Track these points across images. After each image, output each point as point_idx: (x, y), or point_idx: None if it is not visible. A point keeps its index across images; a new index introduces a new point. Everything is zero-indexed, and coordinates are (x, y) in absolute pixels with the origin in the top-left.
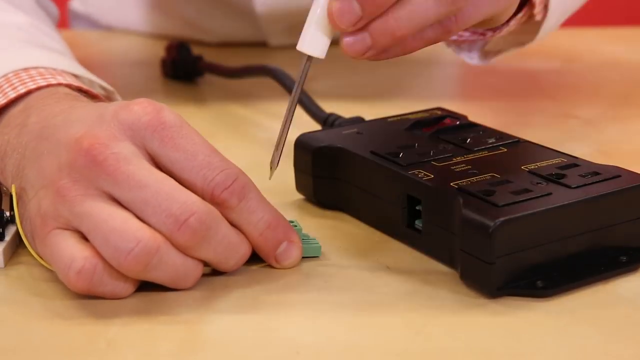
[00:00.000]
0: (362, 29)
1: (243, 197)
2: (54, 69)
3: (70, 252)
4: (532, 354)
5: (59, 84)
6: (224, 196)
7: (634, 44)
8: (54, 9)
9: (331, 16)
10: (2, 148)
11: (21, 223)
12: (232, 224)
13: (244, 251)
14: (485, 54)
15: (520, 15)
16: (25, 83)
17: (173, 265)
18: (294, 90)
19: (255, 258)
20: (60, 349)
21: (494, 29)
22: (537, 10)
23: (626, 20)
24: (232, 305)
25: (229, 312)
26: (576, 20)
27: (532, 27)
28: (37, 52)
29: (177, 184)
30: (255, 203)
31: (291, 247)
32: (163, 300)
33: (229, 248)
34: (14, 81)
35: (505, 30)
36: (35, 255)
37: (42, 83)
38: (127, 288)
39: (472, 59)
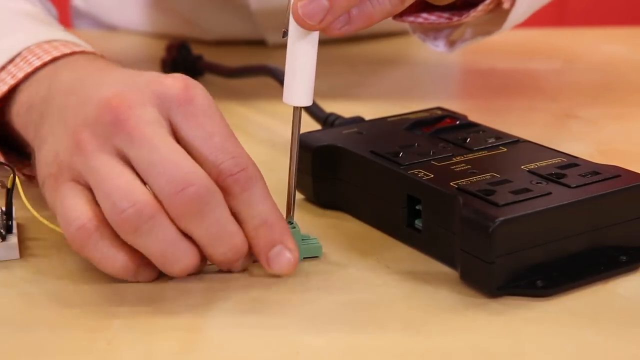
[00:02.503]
0: None
1: (247, 189)
2: (74, 43)
3: (79, 209)
4: (532, 354)
5: (84, 52)
6: (227, 182)
7: (634, 44)
8: (53, 10)
9: None
10: (30, 99)
11: (37, 168)
12: (233, 214)
13: (237, 242)
14: (451, 43)
15: (488, 1)
16: (49, 52)
17: (164, 238)
18: (291, 141)
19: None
20: (60, 349)
21: (460, 14)
22: None
23: (626, 20)
24: (232, 305)
25: (229, 312)
26: (576, 20)
27: (499, 17)
28: (54, 29)
29: (188, 156)
30: (257, 197)
31: (284, 253)
32: (163, 300)
33: (222, 233)
34: (37, 51)
35: (472, 15)
36: (33, 211)
37: (67, 51)
38: (118, 260)
39: (437, 46)
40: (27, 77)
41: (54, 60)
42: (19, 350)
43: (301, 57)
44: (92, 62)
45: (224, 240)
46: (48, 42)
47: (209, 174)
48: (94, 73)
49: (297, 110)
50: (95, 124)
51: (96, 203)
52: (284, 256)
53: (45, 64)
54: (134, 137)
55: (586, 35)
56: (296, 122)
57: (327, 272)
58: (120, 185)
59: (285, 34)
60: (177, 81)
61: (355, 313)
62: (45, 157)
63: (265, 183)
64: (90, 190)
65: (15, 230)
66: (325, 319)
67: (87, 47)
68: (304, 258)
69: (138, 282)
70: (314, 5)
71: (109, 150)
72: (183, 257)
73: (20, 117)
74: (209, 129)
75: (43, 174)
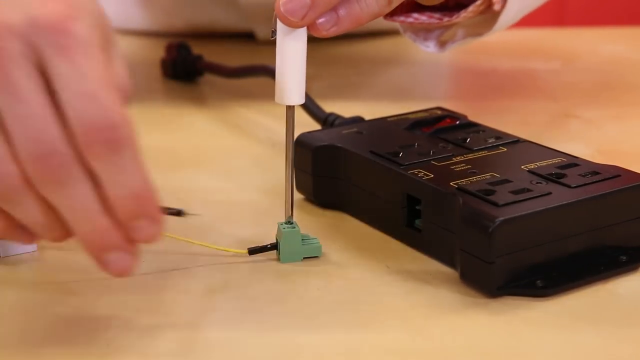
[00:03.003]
0: None
1: (115, 152)
2: None
3: None
4: (532, 354)
5: None
6: (93, 138)
7: (634, 44)
8: None
9: None
10: None
11: None
12: (96, 178)
13: (101, 223)
14: (442, 43)
15: (478, 2)
16: None
17: (32, 211)
18: (286, 141)
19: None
20: (60, 349)
21: (451, 14)
22: None
23: (626, 20)
24: (232, 305)
25: (229, 312)
26: (576, 20)
27: (490, 18)
28: None
29: (56, 114)
30: (126, 162)
31: (150, 226)
32: (163, 300)
33: (83, 209)
34: None
35: (463, 16)
36: None
37: None
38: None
39: (428, 47)
40: None
41: None
42: (19, 351)
43: (290, 55)
44: None
45: (87, 218)
46: None
47: (73, 124)
48: None
49: (290, 109)
50: None
51: None
52: (148, 229)
53: None
54: None
55: (586, 35)
56: (290, 121)
57: (327, 272)
58: None
59: (273, 33)
60: (58, 6)
61: (355, 313)
62: None
63: (138, 147)
64: None
65: None
66: (325, 318)
67: None
68: (304, 258)
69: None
70: (295, 2)
71: None
72: (54, 227)
73: None
74: (85, 69)
75: None
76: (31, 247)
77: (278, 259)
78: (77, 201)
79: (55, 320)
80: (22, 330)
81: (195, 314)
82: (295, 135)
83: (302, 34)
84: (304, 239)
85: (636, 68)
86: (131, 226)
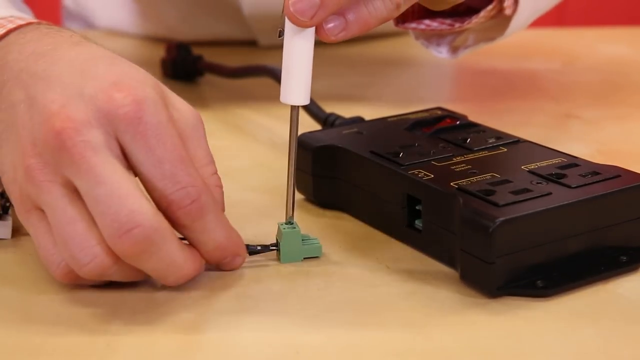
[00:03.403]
0: None
1: (198, 218)
2: (19, 17)
3: (58, 250)
4: (532, 354)
5: (31, 23)
6: (178, 214)
7: (634, 44)
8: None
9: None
10: None
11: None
12: (184, 237)
13: (187, 271)
14: (454, 49)
15: (490, 7)
16: (4, 26)
17: (127, 275)
18: (289, 141)
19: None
20: (60, 349)
21: (463, 20)
22: (507, 4)
23: (626, 20)
24: (232, 305)
25: (228, 312)
26: (576, 20)
27: (502, 23)
28: (15, 10)
29: (135, 188)
30: (210, 224)
31: (235, 260)
32: (163, 300)
33: (170, 267)
34: None
35: (474, 22)
36: None
37: (21, 22)
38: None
39: (440, 52)
40: None
41: (7, 33)
42: (19, 351)
43: (297, 56)
44: (39, 39)
45: (173, 272)
46: (4, 18)
47: (159, 203)
48: (42, 58)
49: (294, 109)
50: (43, 148)
51: None
52: (234, 263)
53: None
54: (80, 167)
55: (586, 35)
56: (294, 121)
57: (327, 272)
58: (75, 235)
59: (281, 33)
60: (125, 96)
61: (355, 313)
62: (6, 171)
63: (218, 207)
64: None
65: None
66: (325, 318)
67: (33, 19)
68: (304, 258)
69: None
70: (304, 2)
71: (60, 181)
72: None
73: None
74: (159, 153)
75: (8, 192)
76: (4, 234)
77: (278, 259)
78: (162, 263)
79: (55, 320)
80: (22, 330)
81: (195, 313)
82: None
83: (310, 34)
84: (304, 239)
85: (637, 68)
86: (220, 264)
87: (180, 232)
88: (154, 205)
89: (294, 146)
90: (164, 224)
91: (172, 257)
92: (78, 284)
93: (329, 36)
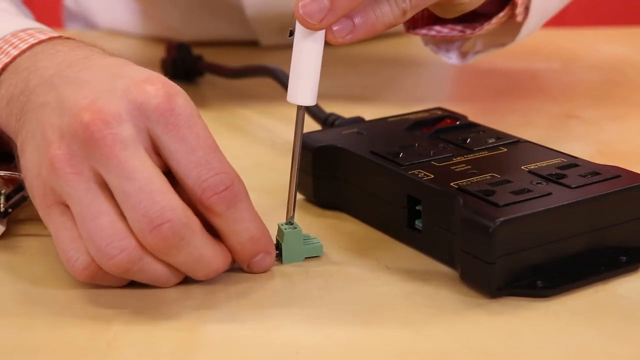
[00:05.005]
0: None
1: (232, 206)
2: (52, 31)
3: (77, 244)
4: (532, 354)
5: (61, 37)
6: (212, 200)
7: (634, 44)
8: (29, 14)
9: None
10: (9, 92)
11: (23, 176)
12: (215, 228)
13: (216, 266)
14: (463, 54)
15: (501, 14)
16: (26, 40)
17: (154, 272)
18: (294, 141)
19: None
20: (60, 349)
21: (473, 27)
22: (519, 10)
23: (626, 20)
24: (232, 305)
25: (229, 312)
26: (576, 20)
27: (512, 28)
28: (29, 20)
29: (165, 183)
30: (243, 213)
31: (265, 259)
32: (163, 300)
33: (200, 261)
34: (13, 41)
35: (486, 28)
36: None
37: (44, 37)
38: (126, 281)
39: (450, 58)
40: (5, 67)
41: (31, 47)
42: (19, 351)
43: (306, 56)
44: (73, 49)
45: (202, 267)
46: (23, 30)
47: (192, 191)
48: (76, 63)
49: (300, 109)
50: (71, 140)
51: None
52: (264, 262)
53: (22, 52)
54: (109, 162)
55: (586, 35)
56: (299, 121)
57: (327, 272)
58: (102, 228)
59: (291, 32)
60: (158, 88)
61: (355, 313)
62: (29, 169)
63: (248, 195)
64: None
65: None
66: (325, 319)
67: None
68: (305, 258)
69: None
70: (314, 5)
71: (87, 173)
72: (173, 277)
73: (2, 110)
74: (192, 142)
75: (30, 189)
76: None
77: (279, 260)
78: (191, 258)
79: (55, 319)
80: (22, 329)
81: (195, 313)
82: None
83: (320, 36)
84: (305, 239)
85: (636, 68)
86: (251, 263)
87: (214, 224)
88: (182, 202)
89: (299, 146)
90: (194, 219)
91: (201, 252)
92: (93, 282)
93: (337, 38)
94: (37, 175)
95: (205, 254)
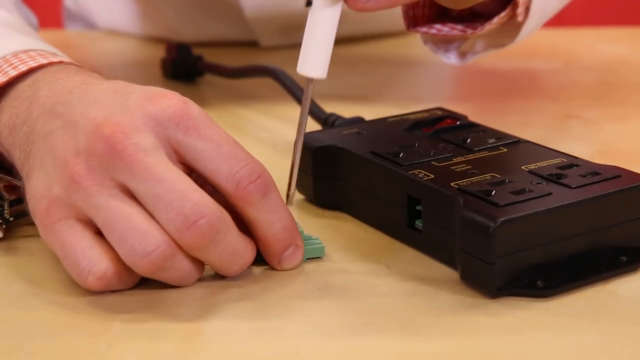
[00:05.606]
0: None
1: (266, 194)
2: (52, 53)
3: (89, 254)
4: (532, 354)
5: (62, 62)
6: (249, 189)
7: (634, 44)
8: (33, 19)
9: None
10: (11, 121)
11: (27, 201)
12: (249, 221)
13: (248, 258)
14: (462, 54)
15: (503, 14)
16: (26, 62)
17: (182, 269)
18: (300, 117)
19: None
20: (60, 349)
21: (474, 26)
22: (520, 10)
23: (626, 20)
24: (232, 305)
25: (229, 312)
26: (576, 20)
27: (511, 29)
28: (31, 39)
29: (193, 183)
30: (277, 202)
31: (296, 252)
32: (163, 300)
33: (234, 254)
34: (13, 61)
35: (487, 28)
36: None
37: (44, 61)
38: (134, 283)
39: (449, 58)
40: (4, 88)
41: (31, 71)
42: (19, 352)
43: (321, 26)
44: (71, 75)
45: (237, 260)
46: (25, 51)
47: (225, 184)
48: (76, 89)
49: (309, 82)
50: (89, 155)
51: (102, 241)
52: (295, 255)
53: (21, 74)
54: (134, 169)
55: (586, 35)
56: (307, 95)
57: (327, 273)
58: (134, 227)
59: (309, 2)
60: (170, 99)
61: (355, 314)
62: (35, 191)
63: (277, 186)
64: (91, 225)
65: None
66: (325, 319)
67: (65, 58)
68: (307, 259)
69: None
70: None
71: (109, 184)
72: (195, 274)
73: (4, 139)
74: (216, 138)
75: (33, 210)
76: None
77: None
78: (227, 252)
79: (55, 320)
80: (22, 331)
81: (196, 314)
82: (295, 136)
83: (337, 7)
84: (306, 239)
85: (636, 68)
86: (282, 256)
87: (248, 216)
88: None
89: (305, 122)
90: (225, 213)
91: (235, 245)
92: (105, 290)
93: (358, 3)
94: (41, 196)
95: (239, 247)
